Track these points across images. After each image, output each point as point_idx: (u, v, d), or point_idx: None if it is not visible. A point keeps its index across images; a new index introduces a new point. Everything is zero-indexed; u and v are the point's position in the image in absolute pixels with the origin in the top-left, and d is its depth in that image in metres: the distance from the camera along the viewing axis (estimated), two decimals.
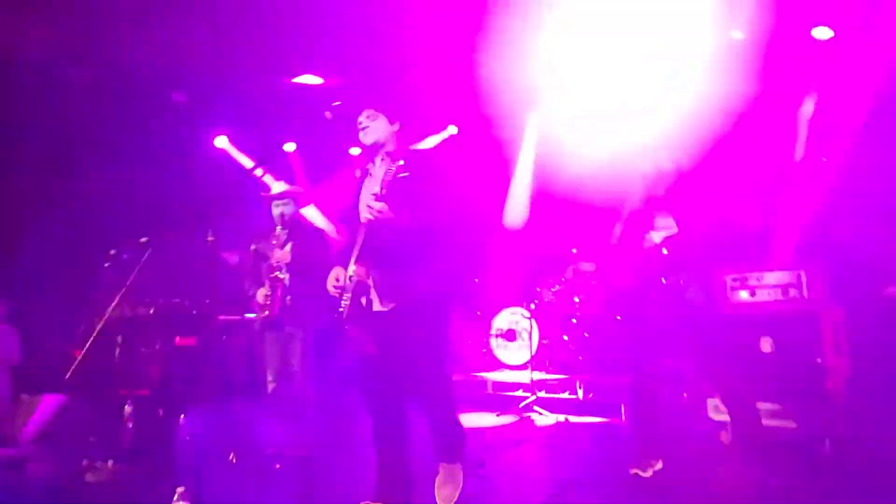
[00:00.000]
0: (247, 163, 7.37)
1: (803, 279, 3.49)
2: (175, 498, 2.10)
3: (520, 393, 5.16)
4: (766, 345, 3.54)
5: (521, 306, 5.86)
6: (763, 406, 3.44)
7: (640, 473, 2.92)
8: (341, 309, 2.50)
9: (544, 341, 5.58)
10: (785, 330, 3.45)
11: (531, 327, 5.50)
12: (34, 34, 5.11)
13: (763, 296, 3.65)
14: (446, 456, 2.57)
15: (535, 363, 5.44)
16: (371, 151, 2.64)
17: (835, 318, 3.43)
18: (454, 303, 2.62)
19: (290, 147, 7.69)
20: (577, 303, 5.66)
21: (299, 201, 3.84)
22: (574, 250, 5.92)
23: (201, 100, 6.50)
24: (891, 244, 4.45)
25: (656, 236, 3.04)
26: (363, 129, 2.60)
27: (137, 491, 2.95)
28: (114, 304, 3.49)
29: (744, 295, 3.74)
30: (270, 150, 7.17)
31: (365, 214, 2.41)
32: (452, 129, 7.45)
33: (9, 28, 4.90)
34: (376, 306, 2.53)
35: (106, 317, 3.67)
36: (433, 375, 2.52)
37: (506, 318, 5.98)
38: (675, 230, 2.99)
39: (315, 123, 2.51)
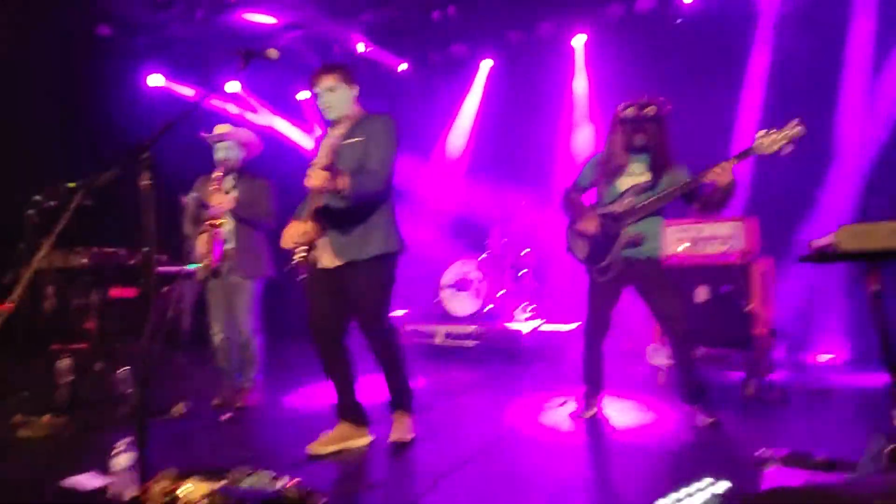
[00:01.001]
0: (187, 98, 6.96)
1: (739, 232, 3.67)
2: (119, 449, 2.04)
3: (470, 342, 5.27)
4: (702, 293, 3.73)
5: (472, 257, 5.91)
6: (698, 350, 3.67)
7: (583, 416, 3.09)
8: (294, 262, 2.61)
9: (503, 291, 5.67)
10: (719, 280, 3.64)
11: (481, 278, 5.57)
12: None
13: (702, 247, 3.82)
14: (394, 405, 2.81)
15: (483, 313, 5.56)
16: (332, 122, 2.72)
17: (764, 269, 3.64)
18: (402, 258, 2.74)
19: (235, 87, 7.27)
20: (525, 254, 5.76)
21: (247, 146, 3.63)
22: (523, 201, 5.98)
23: (130, 34, 6.02)
24: (817, 200, 4.74)
25: (623, 183, 3.00)
26: (326, 106, 2.65)
27: (75, 444, 2.86)
28: (41, 253, 3.26)
29: (684, 246, 3.90)
30: (214, 90, 6.77)
31: (307, 183, 2.47)
32: (403, 66, 7.21)
33: None
34: (326, 262, 2.64)
35: (34, 267, 3.44)
36: (377, 332, 2.68)
37: (456, 269, 6.03)
38: (645, 181, 2.95)
39: (262, 64, 2.27)
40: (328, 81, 2.62)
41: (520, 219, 6.01)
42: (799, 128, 2.55)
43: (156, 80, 6.96)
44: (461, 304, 5.90)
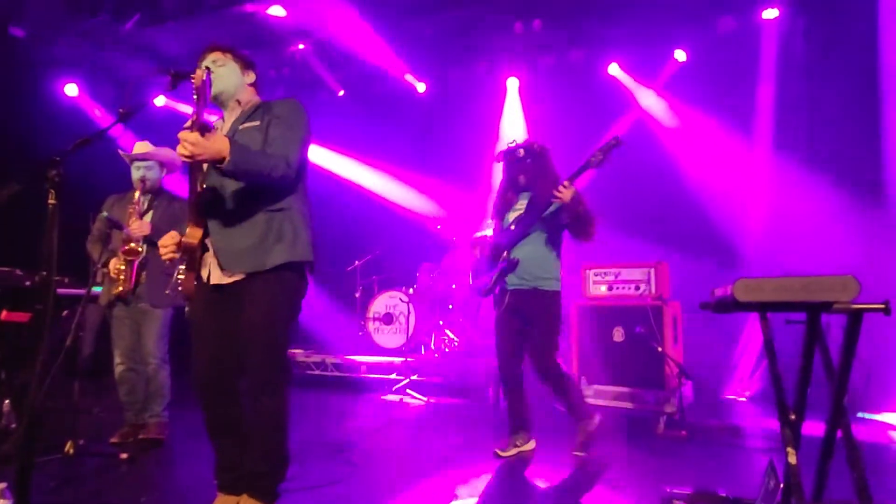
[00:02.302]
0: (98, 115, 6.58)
1: (652, 277, 3.91)
2: None
3: (393, 376, 5.20)
4: (618, 334, 3.91)
5: (400, 290, 5.89)
6: (616, 389, 3.83)
7: (500, 453, 3.09)
8: (179, 284, 2.08)
9: (419, 325, 5.66)
10: (634, 321, 3.84)
11: (408, 311, 5.56)
12: None
13: (619, 290, 4.03)
14: (250, 486, 2.03)
15: (410, 347, 5.52)
16: (219, 105, 2.23)
17: (674, 313, 3.89)
18: (307, 278, 2.21)
19: (159, 101, 6.95)
20: (454, 288, 5.82)
21: (167, 165, 3.46)
22: (454, 237, 6.06)
23: (48, 39, 5.66)
24: (723, 249, 5.14)
25: (510, 216, 3.25)
26: (208, 72, 2.04)
27: None
28: None
29: (603, 288, 4.10)
30: (133, 103, 6.43)
31: (179, 151, 1.84)
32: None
33: None
34: (216, 277, 2.08)
35: None
36: (268, 370, 2.03)
37: (384, 302, 5.98)
38: (521, 212, 3.18)
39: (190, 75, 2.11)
40: (216, 55, 2.19)
41: (450, 253, 6.09)
42: (616, 141, 2.92)
43: (71, 90, 6.55)
44: (387, 336, 5.84)
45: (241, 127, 2.15)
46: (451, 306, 5.84)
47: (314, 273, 2.25)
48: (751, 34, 5.40)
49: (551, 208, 3.08)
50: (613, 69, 6.02)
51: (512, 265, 3.11)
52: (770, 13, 5.26)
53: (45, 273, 1.79)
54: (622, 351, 3.88)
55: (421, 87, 6.92)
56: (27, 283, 3.26)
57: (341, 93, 7.15)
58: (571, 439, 3.17)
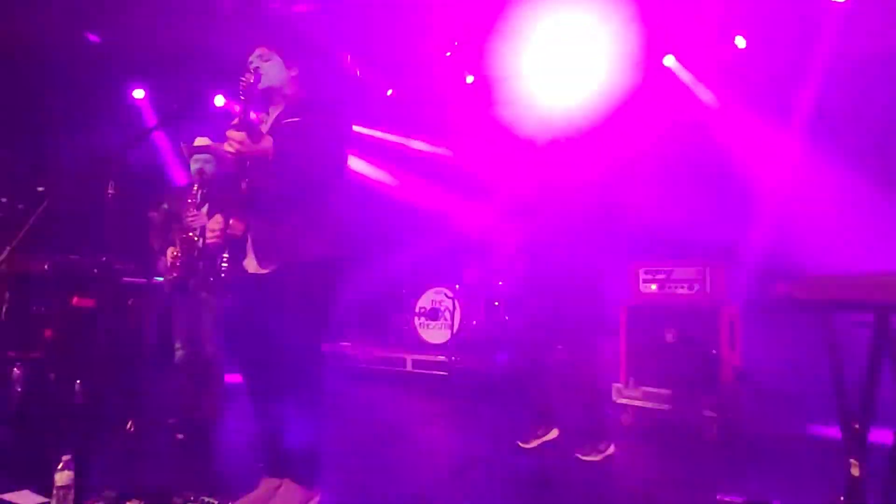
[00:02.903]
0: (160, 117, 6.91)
1: (707, 276, 3.74)
2: (59, 466, 1.95)
3: (439, 372, 5.22)
4: (669, 335, 3.77)
5: (445, 286, 5.90)
6: (664, 391, 3.69)
7: (522, 445, 3.09)
8: (221, 272, 2.16)
9: (474, 322, 5.66)
10: (687, 322, 3.68)
11: (454, 307, 5.56)
12: None
13: (670, 289, 3.88)
14: (287, 470, 2.10)
15: (455, 343, 5.52)
16: (266, 99, 2.29)
17: (731, 314, 3.70)
18: (343, 272, 2.22)
19: (219, 101, 7.24)
20: (499, 285, 5.78)
21: (224, 160, 3.60)
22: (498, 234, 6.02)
23: (117, 43, 5.99)
24: (780, 249, 4.86)
25: None
26: (257, 74, 2.16)
27: (21, 456, 2.73)
28: (2, 257, 3.17)
29: (653, 287, 3.96)
30: (195, 102, 6.74)
31: (227, 148, 1.93)
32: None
33: None
34: (253, 268, 2.14)
35: None
36: (299, 364, 2.07)
37: (429, 297, 6.01)
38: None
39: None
40: (260, 50, 2.24)
41: (497, 250, 6.05)
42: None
43: (139, 93, 6.93)
44: (432, 332, 5.86)
45: (284, 122, 2.19)
46: (496, 303, 5.81)
47: (360, 267, 2.27)
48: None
49: None
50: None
51: None
52: None
53: (106, 261, 1.89)
54: (674, 352, 3.72)
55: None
56: (94, 270, 3.46)
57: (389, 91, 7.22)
58: (621, 440, 3.09)
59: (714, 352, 3.53)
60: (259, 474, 2.23)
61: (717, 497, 2.27)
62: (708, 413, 3.52)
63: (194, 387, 3.48)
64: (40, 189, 3.32)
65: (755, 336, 4.09)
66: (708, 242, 4.93)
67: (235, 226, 2.09)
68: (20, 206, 3.76)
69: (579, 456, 2.95)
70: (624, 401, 3.78)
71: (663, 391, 3.69)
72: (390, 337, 6.42)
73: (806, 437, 3.53)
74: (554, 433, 3.22)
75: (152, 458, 2.83)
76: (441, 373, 5.19)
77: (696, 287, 3.77)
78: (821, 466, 3.04)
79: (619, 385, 3.82)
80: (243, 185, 2.11)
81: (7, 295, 3.67)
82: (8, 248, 3.35)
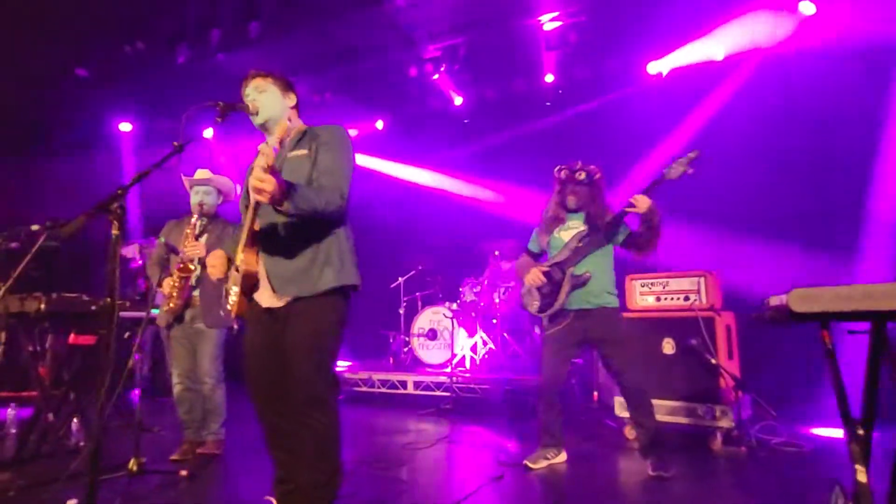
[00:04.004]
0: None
1: (702, 287, 3.79)
2: None
3: (439, 392, 5.21)
4: (668, 346, 3.80)
5: (443, 305, 5.91)
6: (666, 403, 3.70)
7: (530, 465, 3.12)
8: (229, 306, 2.13)
9: (474, 341, 5.65)
10: (685, 332, 3.72)
11: (452, 327, 5.57)
12: None
13: (667, 300, 3.92)
14: (303, 499, 2.06)
15: (455, 363, 5.52)
16: (264, 130, 2.26)
17: (727, 323, 3.74)
18: (365, 301, 2.13)
19: (208, 133, 7.31)
20: (497, 303, 5.79)
21: (224, 193, 3.64)
22: (496, 252, 6.06)
23: (108, 77, 6.04)
24: (778, 258, 4.93)
25: (564, 235, 3.24)
26: (255, 108, 2.18)
27: (23, 503, 2.68)
28: None
29: (650, 299, 4.00)
30: (187, 135, 6.77)
31: (254, 196, 1.91)
32: (378, 125, 7.43)
33: None
34: (268, 301, 2.16)
35: None
36: (312, 392, 2.06)
37: (427, 318, 6.01)
38: (583, 229, 3.19)
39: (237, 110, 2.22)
40: (257, 82, 2.23)
41: (493, 268, 6.08)
42: (696, 152, 2.88)
43: (125, 126, 6.96)
44: (432, 353, 5.85)
45: (289, 155, 2.20)
46: (494, 321, 5.82)
47: (358, 292, 2.28)
48: None
49: (612, 216, 3.13)
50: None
51: (583, 281, 3.11)
52: None
53: (108, 299, 1.89)
54: (673, 364, 3.75)
55: (458, 100, 7.01)
56: (92, 307, 3.45)
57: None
58: (617, 456, 3.09)
59: (713, 361, 3.56)
60: None
61: None
62: (710, 424, 3.54)
63: (195, 421, 3.45)
64: (35, 227, 3.30)
65: (753, 343, 4.13)
66: (703, 252, 5.01)
67: (248, 259, 2.09)
68: (12, 245, 3.74)
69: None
70: (626, 414, 3.79)
71: (665, 403, 3.71)
72: (389, 358, 6.40)
73: (809, 444, 3.55)
74: (563, 456, 3.25)
75: (157, 497, 2.78)
76: (443, 393, 5.18)
77: (692, 297, 3.81)
78: (826, 473, 3.06)
79: (621, 399, 3.83)
80: (255, 221, 2.11)
81: (2, 335, 3.64)
82: (3, 287, 3.33)
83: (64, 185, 5.76)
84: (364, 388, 5.66)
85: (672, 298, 3.91)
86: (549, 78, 6.33)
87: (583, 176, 3.21)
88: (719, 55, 5.62)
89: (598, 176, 3.23)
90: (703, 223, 5.31)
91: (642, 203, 2.94)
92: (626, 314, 4.01)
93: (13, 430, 4.05)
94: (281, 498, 2.20)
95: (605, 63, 6.08)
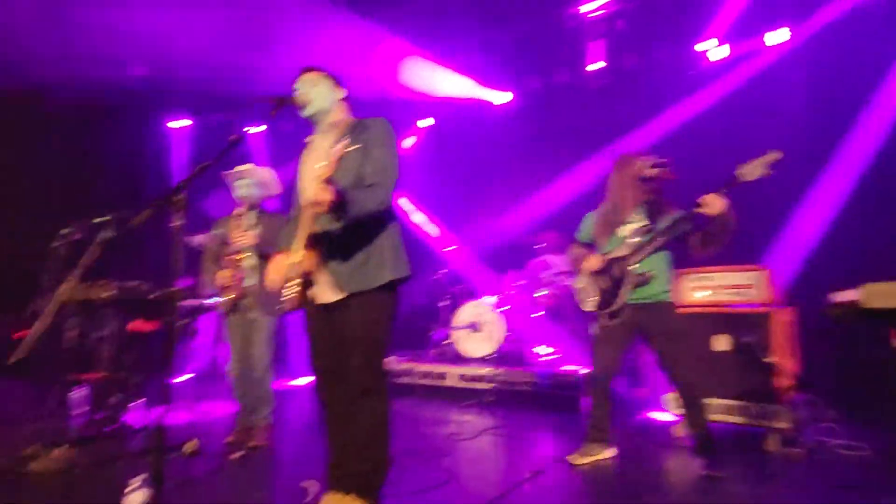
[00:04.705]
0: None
1: (758, 282, 3.64)
2: (131, 487, 2.02)
3: (481, 385, 5.20)
4: (720, 343, 3.67)
5: (485, 298, 5.89)
6: (719, 402, 3.59)
7: (573, 461, 3.08)
8: (283, 300, 2.23)
9: (507, 334, 5.63)
10: (739, 329, 3.58)
11: (494, 320, 5.54)
12: None
13: (720, 295, 3.79)
14: (352, 486, 2.15)
15: (497, 356, 5.50)
16: (315, 124, 2.35)
17: (786, 320, 3.58)
18: (408, 294, 2.28)
19: (257, 130, 7.51)
20: (540, 296, 5.74)
21: (266, 185, 3.73)
22: (539, 245, 5.99)
23: (163, 77, 6.26)
24: (841, 251, 4.68)
25: (624, 230, 3.13)
26: (306, 99, 2.27)
27: (86, 480, 2.84)
28: (65, 285, 3.33)
29: (701, 295, 3.87)
30: (236, 131, 6.98)
31: (314, 208, 2.02)
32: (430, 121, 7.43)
33: None
34: (325, 297, 2.25)
35: (56, 299, 3.50)
36: (369, 381, 2.15)
37: (469, 311, 6.00)
38: (645, 225, 3.07)
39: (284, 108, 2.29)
40: (310, 76, 2.31)
41: (535, 261, 6.02)
42: (777, 154, 2.69)
43: (180, 123, 7.23)
44: (474, 345, 5.85)
45: (344, 149, 2.19)
46: (538, 313, 5.76)
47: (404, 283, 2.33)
48: None
49: (666, 222, 3.01)
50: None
51: (646, 280, 3.02)
52: None
53: (169, 287, 1.97)
54: (726, 361, 3.63)
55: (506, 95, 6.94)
56: (151, 295, 3.60)
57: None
58: (665, 454, 3.01)
59: (769, 359, 3.42)
60: (319, 490, 2.27)
61: None
62: (766, 424, 3.41)
63: (248, 406, 3.56)
64: (98, 220, 3.47)
65: (814, 341, 3.94)
66: (756, 244, 4.80)
67: (308, 257, 2.18)
68: (78, 236, 3.95)
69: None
70: (676, 411, 3.69)
71: (717, 402, 3.59)
72: (431, 351, 6.44)
73: (872, 447, 3.37)
74: (610, 452, 3.19)
75: (213, 478, 2.89)
76: (485, 386, 5.17)
77: (748, 292, 3.67)
78: (891, 478, 2.90)
79: (669, 395, 3.74)
80: (318, 227, 2.19)
81: (71, 321, 3.85)
82: (70, 277, 3.52)
83: (120, 180, 6.04)
84: (406, 380, 5.71)
85: (725, 294, 3.77)
86: (595, 66, 6.19)
87: (654, 172, 3.05)
88: (782, 36, 5.33)
89: (669, 170, 3.08)
90: (758, 212, 5.10)
91: (714, 205, 2.79)
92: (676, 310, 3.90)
93: (79, 411, 4.29)
94: (333, 482, 2.26)
95: (654, 49, 5.90)
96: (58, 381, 3.93)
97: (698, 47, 5.65)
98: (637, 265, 3.04)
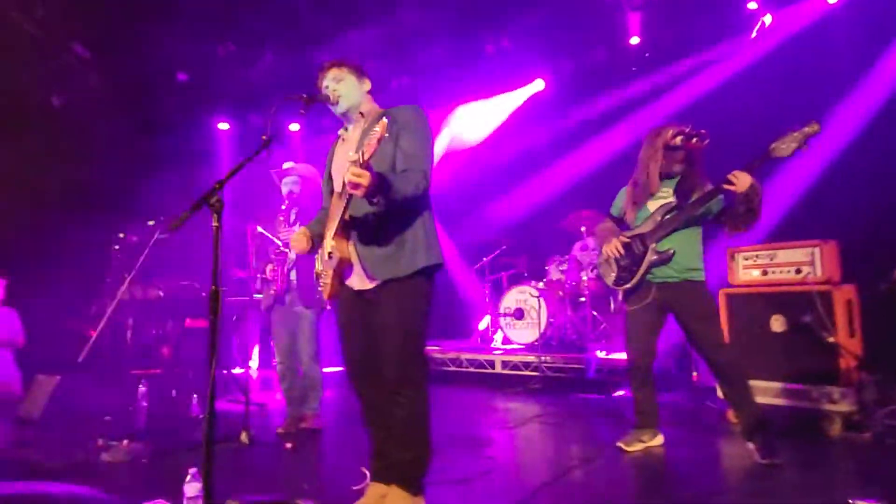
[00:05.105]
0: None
1: (817, 258, 3.44)
2: (188, 478, 2.12)
3: (527, 372, 5.18)
4: (777, 323, 3.50)
5: (530, 285, 5.84)
6: (774, 385, 3.43)
7: (623, 447, 3.01)
8: (321, 289, 2.24)
9: (551, 320, 5.57)
10: (797, 308, 3.40)
11: (539, 305, 5.49)
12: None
13: (775, 274, 3.61)
14: (394, 477, 2.16)
15: (543, 342, 5.45)
16: (344, 118, 2.36)
17: (847, 298, 3.38)
18: (452, 281, 2.22)
19: (294, 127, 7.67)
20: (585, 280, 5.63)
21: (310, 180, 3.81)
22: (583, 228, 5.87)
23: (204, 80, 6.46)
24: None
25: (652, 205, 3.02)
26: (336, 97, 2.26)
27: (152, 470, 3.00)
28: (123, 287, 3.51)
29: (755, 273, 3.70)
30: (276, 129, 7.15)
31: (349, 191, 1.95)
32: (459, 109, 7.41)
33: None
34: (359, 284, 2.23)
35: (117, 299, 3.71)
36: (407, 370, 2.13)
37: (514, 297, 5.96)
38: (671, 202, 2.96)
39: (319, 105, 2.32)
40: (334, 72, 2.29)
41: (580, 245, 5.90)
42: (816, 126, 2.54)
43: (223, 125, 7.46)
44: (519, 332, 5.81)
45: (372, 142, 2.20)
46: (582, 299, 5.67)
47: (445, 272, 2.31)
48: None
49: (694, 197, 2.88)
50: None
51: (666, 258, 2.91)
52: None
53: (214, 285, 2.04)
54: (783, 343, 3.46)
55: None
56: (202, 294, 3.76)
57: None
58: (719, 440, 2.91)
59: (831, 340, 3.24)
60: (365, 481, 2.31)
61: (849, 501, 2.08)
62: (828, 407, 3.23)
63: (297, 397, 3.67)
64: (151, 222, 3.63)
65: (879, 319, 3.70)
66: (814, 217, 4.54)
67: (340, 245, 2.16)
68: (134, 239, 4.15)
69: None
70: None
71: (774, 385, 3.44)
72: (476, 338, 6.44)
73: None
74: (659, 439, 3.11)
75: (266, 467, 3.01)
76: (531, 373, 5.14)
77: (806, 270, 3.47)
78: None
79: None
80: (347, 210, 2.16)
81: (130, 320, 4.08)
82: (127, 277, 3.71)
83: (173, 182, 6.29)
84: (452, 368, 5.75)
85: (781, 272, 3.59)
86: (635, 40, 5.97)
87: (678, 140, 2.90)
88: None
89: (706, 142, 2.90)
90: (817, 185, 4.81)
91: (742, 181, 2.64)
92: (728, 290, 3.75)
93: (143, 404, 4.55)
94: (375, 472, 2.30)
95: (695, 20, 5.63)
96: (123, 376, 4.17)
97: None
98: (656, 242, 2.93)
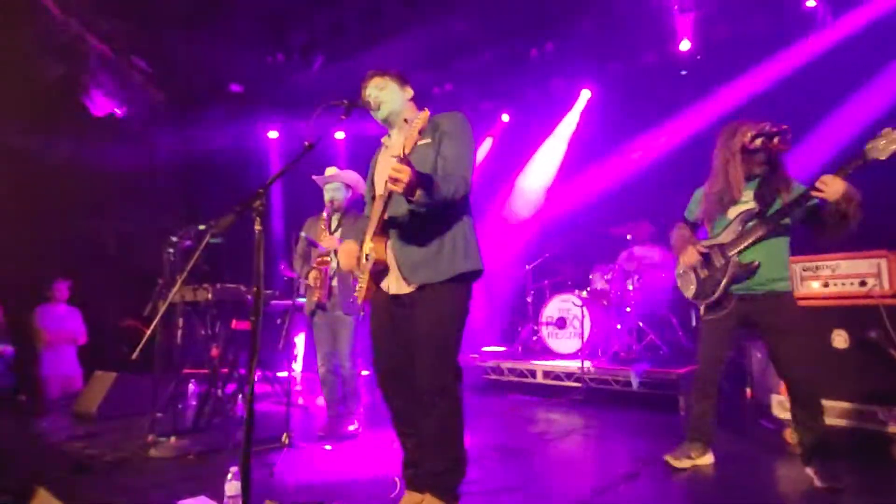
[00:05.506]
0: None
1: (883, 269, 3.21)
2: (229, 477, 2.17)
3: (570, 383, 5.06)
4: (839, 339, 3.29)
5: (573, 293, 5.72)
6: (836, 405, 3.22)
7: (672, 462, 2.87)
8: (356, 292, 2.23)
9: (595, 329, 5.43)
10: (861, 323, 3.18)
11: (582, 315, 5.36)
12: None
13: (837, 286, 3.39)
14: (429, 485, 2.14)
15: (586, 352, 5.32)
16: (385, 123, 2.37)
17: None
18: (495, 289, 2.19)
19: (339, 135, 7.83)
20: (631, 290, 5.47)
21: (352, 187, 3.85)
22: (629, 237, 5.71)
23: (256, 89, 6.69)
24: None
25: (733, 212, 2.82)
26: (377, 103, 2.28)
27: (198, 467, 3.09)
28: (175, 289, 3.64)
29: (815, 285, 3.49)
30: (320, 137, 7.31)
31: (390, 186, 1.93)
32: (504, 118, 7.39)
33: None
34: (395, 288, 2.22)
35: (168, 300, 3.84)
36: (440, 376, 2.10)
37: (556, 306, 5.85)
38: (752, 208, 2.77)
39: (363, 114, 2.35)
40: (376, 80, 2.31)
41: (625, 254, 5.75)
42: None
43: (273, 134, 7.71)
44: (561, 342, 5.70)
45: (413, 146, 2.20)
46: (628, 309, 5.50)
47: (484, 278, 2.28)
48: None
49: (777, 205, 2.68)
50: None
51: (751, 271, 2.70)
52: None
53: (256, 288, 2.08)
54: (846, 360, 3.24)
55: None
56: (248, 296, 3.85)
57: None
58: (774, 461, 2.74)
59: None
60: (401, 488, 2.30)
61: None
62: (895, 430, 3.01)
63: (337, 400, 3.71)
64: (202, 227, 3.75)
65: None
66: (881, 226, 4.25)
67: (378, 248, 2.15)
68: (187, 243, 4.31)
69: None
70: (786, 415, 3.35)
71: (835, 404, 3.22)
72: (518, 347, 6.36)
73: None
74: (709, 457, 2.95)
75: (306, 469, 3.04)
76: (573, 384, 5.02)
77: (871, 282, 3.25)
78: None
79: (780, 397, 3.41)
80: (385, 211, 2.17)
81: (181, 321, 4.22)
82: (179, 280, 3.84)
83: (226, 189, 6.53)
84: (493, 376, 5.68)
85: (844, 284, 3.36)
86: (685, 45, 5.79)
87: (759, 142, 2.67)
88: None
89: (790, 139, 2.67)
90: (884, 190, 4.51)
91: (832, 187, 2.42)
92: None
93: (193, 403, 4.69)
94: (409, 480, 2.28)
95: (750, 20, 5.40)
96: (173, 375, 4.31)
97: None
98: (739, 255, 2.73)
